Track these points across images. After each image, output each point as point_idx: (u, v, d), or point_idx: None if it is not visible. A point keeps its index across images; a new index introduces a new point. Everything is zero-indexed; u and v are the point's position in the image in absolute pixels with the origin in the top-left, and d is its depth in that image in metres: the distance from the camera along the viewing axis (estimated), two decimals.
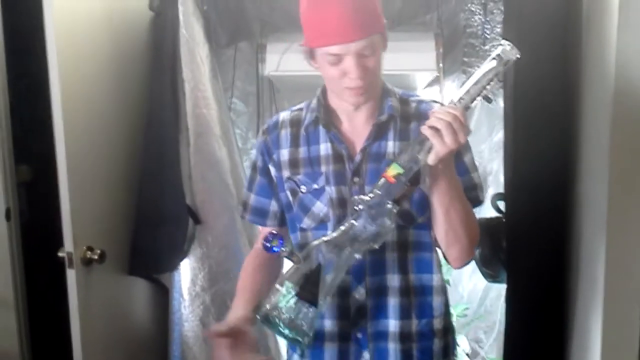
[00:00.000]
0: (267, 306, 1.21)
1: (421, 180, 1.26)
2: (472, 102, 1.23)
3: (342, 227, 1.24)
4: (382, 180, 1.22)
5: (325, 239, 1.24)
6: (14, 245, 2.14)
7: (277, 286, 1.22)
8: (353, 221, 1.23)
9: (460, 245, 1.36)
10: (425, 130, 1.20)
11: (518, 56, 1.23)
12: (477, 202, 1.43)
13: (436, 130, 1.19)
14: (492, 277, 2.12)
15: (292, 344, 1.26)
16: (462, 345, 2.74)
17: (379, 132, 1.39)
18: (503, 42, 1.25)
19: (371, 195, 1.22)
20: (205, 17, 2.31)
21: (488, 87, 1.23)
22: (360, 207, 1.23)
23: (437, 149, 1.19)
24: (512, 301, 1.92)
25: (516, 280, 1.89)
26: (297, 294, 1.20)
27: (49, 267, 1.96)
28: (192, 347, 2.22)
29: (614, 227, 1.50)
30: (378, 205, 1.22)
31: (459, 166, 1.35)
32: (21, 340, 2.19)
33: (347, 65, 1.28)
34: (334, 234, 1.24)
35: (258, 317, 1.23)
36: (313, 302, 1.20)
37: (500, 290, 2.64)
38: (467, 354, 2.77)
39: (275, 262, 1.50)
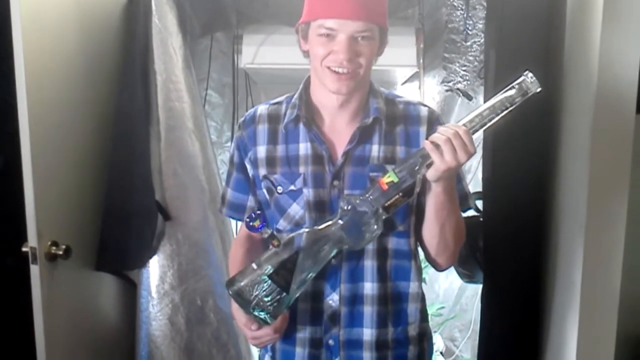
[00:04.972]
0: (241, 283, 1.23)
1: (415, 193, 1.26)
2: (482, 126, 1.22)
3: (327, 223, 1.25)
4: (376, 185, 1.23)
5: (308, 230, 1.26)
6: None
7: (254, 265, 1.24)
8: (339, 220, 1.24)
9: (448, 252, 1.38)
10: (426, 145, 1.19)
11: (539, 90, 1.22)
12: (467, 209, 1.45)
13: (436, 145, 1.18)
14: (468, 277, 2.10)
15: (258, 322, 1.29)
16: (437, 343, 2.73)
17: (363, 135, 1.36)
18: (526, 73, 1.23)
19: (361, 197, 1.23)
20: (180, 7, 2.23)
21: (501, 114, 1.22)
22: (348, 207, 1.23)
23: (437, 165, 1.19)
24: (488, 301, 1.92)
25: (493, 279, 1.89)
26: (270, 277, 1.22)
27: (15, 260, 1.88)
28: (159, 346, 2.16)
29: (592, 229, 1.52)
30: (366, 208, 1.23)
31: None
32: None
33: (338, 43, 1.26)
34: (318, 228, 1.25)
35: (230, 292, 1.24)
36: (285, 288, 1.22)
37: (476, 289, 2.63)
38: (442, 353, 2.76)
39: (261, 249, 1.50)
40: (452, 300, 2.86)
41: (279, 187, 1.37)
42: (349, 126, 1.36)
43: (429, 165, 1.20)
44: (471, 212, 2.08)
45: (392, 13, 2.20)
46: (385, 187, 1.21)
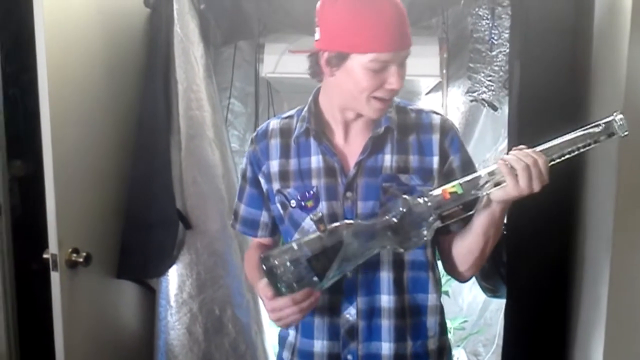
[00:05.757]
0: (277, 261, 1.19)
1: (475, 209, 1.24)
2: (559, 158, 1.20)
3: (379, 219, 1.22)
4: (437, 192, 1.20)
5: (356, 222, 1.22)
6: (4, 241, 2.13)
7: (294, 245, 1.20)
8: (392, 218, 1.20)
9: (478, 265, 1.36)
10: (501, 165, 1.17)
11: (625, 134, 1.19)
12: None
13: (512, 169, 1.15)
14: (491, 291, 2.06)
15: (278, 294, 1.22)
16: (460, 358, 2.68)
17: (375, 145, 1.34)
18: (616, 114, 1.19)
19: (420, 200, 1.20)
20: (201, 16, 2.24)
21: (582, 149, 1.20)
22: (404, 208, 1.20)
23: (509, 189, 1.16)
24: (512, 315, 1.88)
25: (516, 294, 1.86)
26: (309, 261, 1.17)
27: (40, 264, 1.90)
28: (177, 356, 2.16)
29: (619, 243, 1.48)
30: (421, 213, 1.20)
31: None
32: (9, 340, 2.15)
33: (392, 75, 1.23)
34: (367, 222, 1.22)
35: (264, 267, 1.20)
36: (320, 275, 1.18)
37: (500, 303, 2.58)
38: None
39: None
40: (476, 314, 2.81)
41: (292, 201, 1.35)
42: (361, 137, 1.35)
43: (497, 184, 1.18)
44: None
45: (415, 22, 2.19)
46: (448, 196, 1.19)
